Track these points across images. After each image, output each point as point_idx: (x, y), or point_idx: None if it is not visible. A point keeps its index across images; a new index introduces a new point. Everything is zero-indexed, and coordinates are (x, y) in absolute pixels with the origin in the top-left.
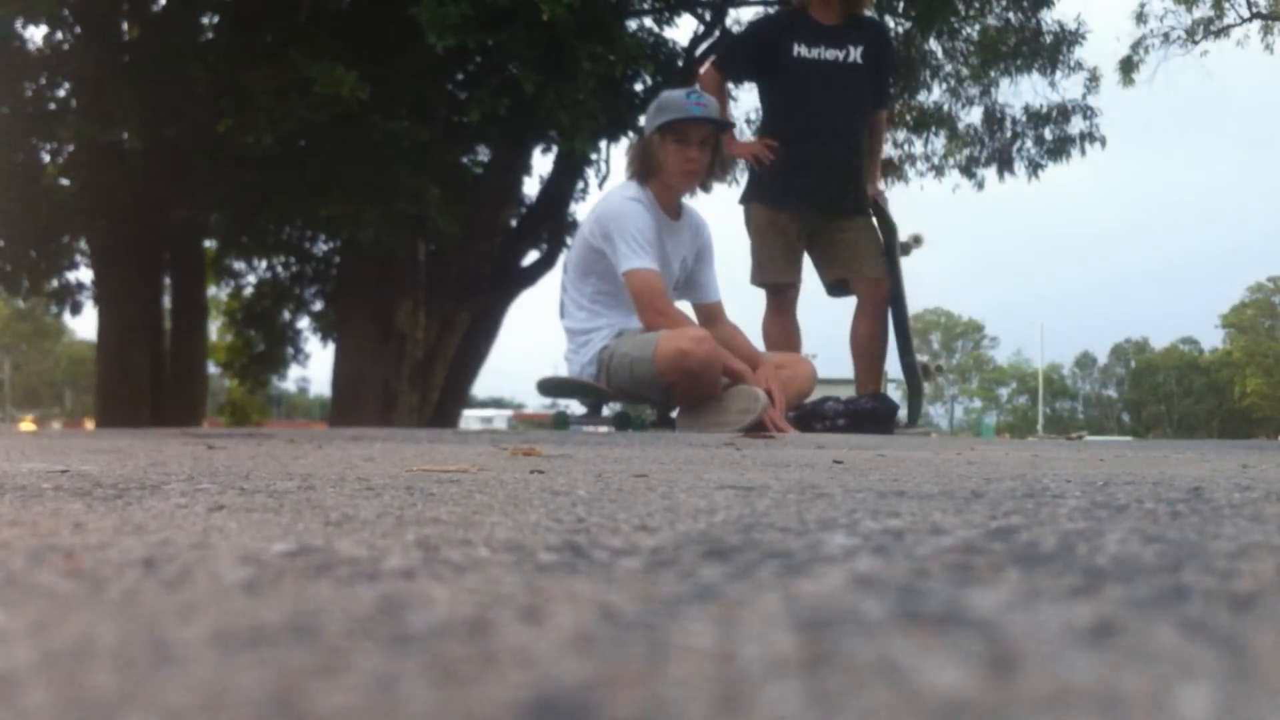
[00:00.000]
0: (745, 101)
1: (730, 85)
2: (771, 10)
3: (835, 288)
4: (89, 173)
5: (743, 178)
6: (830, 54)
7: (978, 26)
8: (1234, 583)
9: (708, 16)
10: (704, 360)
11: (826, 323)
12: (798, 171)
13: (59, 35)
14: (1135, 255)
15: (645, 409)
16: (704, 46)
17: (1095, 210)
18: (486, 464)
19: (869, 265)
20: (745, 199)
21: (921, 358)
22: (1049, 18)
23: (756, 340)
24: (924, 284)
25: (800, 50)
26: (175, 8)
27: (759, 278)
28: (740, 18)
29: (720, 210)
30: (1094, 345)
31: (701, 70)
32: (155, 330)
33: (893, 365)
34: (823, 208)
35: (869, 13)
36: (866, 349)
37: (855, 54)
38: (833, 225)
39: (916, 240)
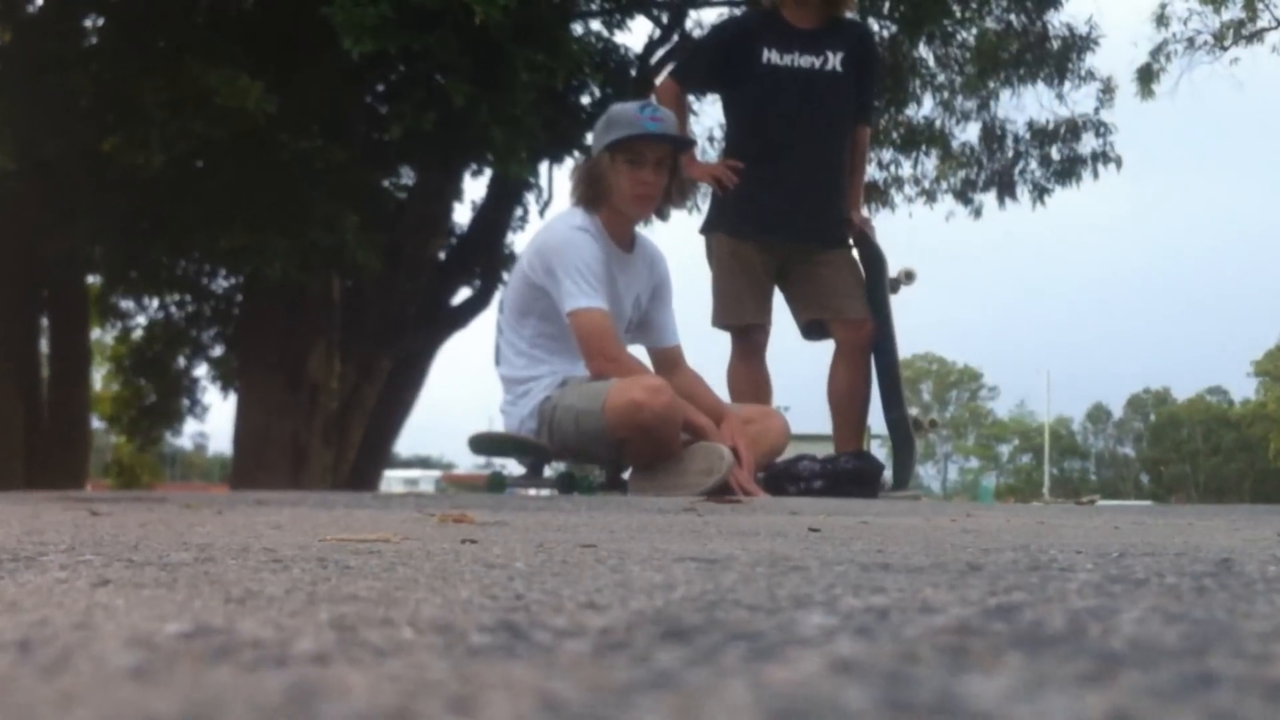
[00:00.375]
0: (708, 116)
1: (691, 98)
2: (738, 11)
3: (810, 330)
4: None
5: (704, 203)
6: (805, 61)
7: (974, 30)
8: (1268, 668)
9: (664, 19)
10: (660, 413)
11: (801, 370)
12: (767, 196)
13: None
14: (1155, 293)
15: (593, 469)
16: (660, 53)
17: (1109, 241)
18: (411, 532)
19: (849, 305)
20: (707, 228)
21: (911, 410)
22: (1056, 20)
23: (720, 390)
24: (913, 326)
25: (771, 56)
26: (54, 9)
27: (723, 319)
28: (702, 20)
29: (679, 241)
30: (1108, 396)
31: (658, 81)
32: (31, 378)
33: (877, 419)
34: (796, 238)
35: (850, 15)
36: (846, 400)
37: (834, 61)
38: (808, 259)
39: (908, 276)
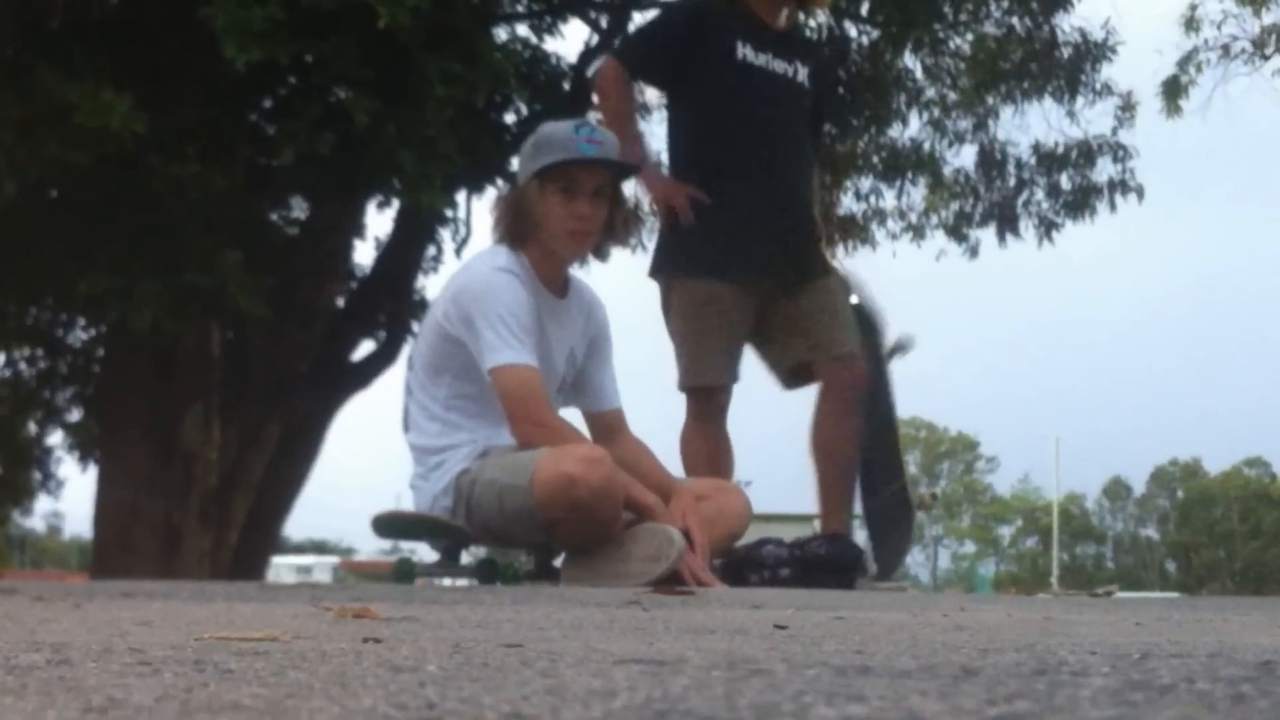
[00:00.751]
0: (655, 138)
1: (644, 104)
2: None
3: (793, 377)
4: None
5: (651, 239)
6: (779, 65)
7: (970, 36)
8: None
9: (603, 23)
10: (598, 489)
11: (766, 438)
12: (749, 224)
13: None
14: (1183, 347)
15: (519, 555)
16: (597, 63)
17: (1128, 286)
18: (304, 630)
19: (838, 339)
20: (661, 270)
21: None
22: (1066, 24)
23: (671, 461)
24: (897, 386)
25: (745, 53)
26: None
27: (697, 379)
28: None
29: (620, 285)
30: (1128, 469)
31: (599, 65)
32: None
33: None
34: (779, 275)
35: (823, 16)
36: (834, 457)
37: (802, 74)
38: (789, 295)
39: (904, 346)
